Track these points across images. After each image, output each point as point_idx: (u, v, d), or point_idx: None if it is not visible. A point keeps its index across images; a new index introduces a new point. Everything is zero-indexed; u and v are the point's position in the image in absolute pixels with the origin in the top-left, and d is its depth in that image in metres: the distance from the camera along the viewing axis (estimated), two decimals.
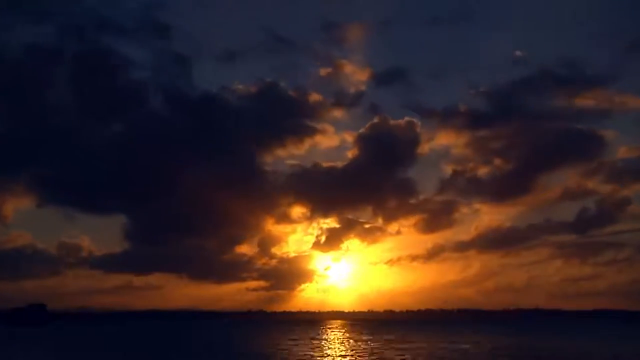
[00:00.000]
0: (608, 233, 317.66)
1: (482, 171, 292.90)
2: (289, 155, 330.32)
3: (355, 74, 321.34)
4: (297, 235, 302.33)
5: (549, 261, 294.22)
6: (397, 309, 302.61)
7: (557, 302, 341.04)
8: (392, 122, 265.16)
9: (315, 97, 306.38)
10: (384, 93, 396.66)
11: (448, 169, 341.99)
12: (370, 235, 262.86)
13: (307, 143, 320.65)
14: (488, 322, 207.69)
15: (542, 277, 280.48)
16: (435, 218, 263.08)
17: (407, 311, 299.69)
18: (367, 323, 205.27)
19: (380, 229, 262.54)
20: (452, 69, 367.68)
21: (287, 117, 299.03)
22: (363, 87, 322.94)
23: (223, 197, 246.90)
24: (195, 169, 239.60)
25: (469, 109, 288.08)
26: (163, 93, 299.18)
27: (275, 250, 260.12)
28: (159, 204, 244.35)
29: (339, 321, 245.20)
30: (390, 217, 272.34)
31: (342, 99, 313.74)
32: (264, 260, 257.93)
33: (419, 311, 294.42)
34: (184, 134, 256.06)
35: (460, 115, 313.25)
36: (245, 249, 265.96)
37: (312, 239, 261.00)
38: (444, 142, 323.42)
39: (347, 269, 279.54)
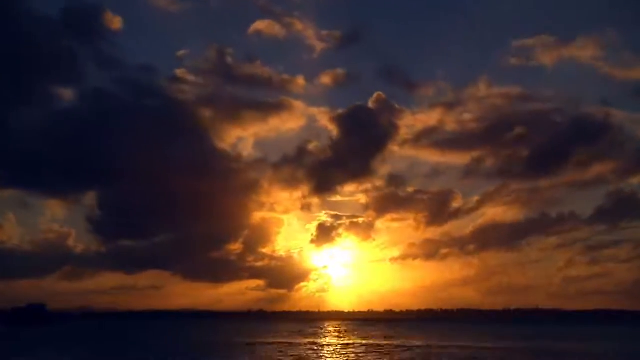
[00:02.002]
0: (612, 230, 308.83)
1: (476, 160, 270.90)
2: (263, 138, 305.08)
3: (313, 37, 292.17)
4: (293, 233, 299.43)
5: (550, 259, 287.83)
6: (397, 309, 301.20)
7: (557, 301, 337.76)
8: (371, 104, 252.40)
9: (271, 68, 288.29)
10: (350, 59, 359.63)
11: (439, 157, 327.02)
12: (365, 231, 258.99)
13: (274, 121, 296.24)
14: (490, 322, 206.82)
15: (543, 276, 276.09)
16: (432, 212, 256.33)
17: (407, 311, 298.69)
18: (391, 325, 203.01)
19: (374, 225, 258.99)
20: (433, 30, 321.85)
21: (249, 92, 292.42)
22: (325, 53, 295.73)
23: (189, 183, 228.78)
24: (151, 153, 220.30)
25: (457, 83, 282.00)
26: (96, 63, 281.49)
27: (271, 249, 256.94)
28: (120, 191, 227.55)
29: (339, 321, 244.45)
30: (383, 211, 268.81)
31: (302, 68, 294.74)
32: (259, 259, 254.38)
33: (419, 311, 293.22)
34: (131, 112, 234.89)
35: (449, 91, 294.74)
36: (238, 247, 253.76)
37: (309, 237, 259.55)
38: (430, 123, 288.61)
39: (345, 268, 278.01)
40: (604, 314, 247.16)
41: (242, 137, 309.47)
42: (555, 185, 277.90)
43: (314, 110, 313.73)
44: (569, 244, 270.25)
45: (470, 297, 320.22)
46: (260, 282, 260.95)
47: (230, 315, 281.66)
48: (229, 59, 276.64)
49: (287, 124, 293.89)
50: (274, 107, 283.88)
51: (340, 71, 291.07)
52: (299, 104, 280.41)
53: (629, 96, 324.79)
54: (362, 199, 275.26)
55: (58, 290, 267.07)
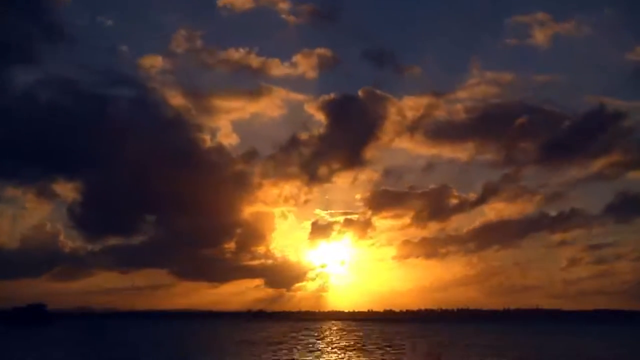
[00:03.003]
0: (615, 228, 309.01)
1: (473, 154, 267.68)
2: (245, 127, 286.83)
3: (287, 12, 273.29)
4: (288, 231, 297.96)
5: (552, 257, 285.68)
6: (396, 309, 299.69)
7: (557, 301, 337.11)
8: (360, 92, 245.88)
9: (244, 47, 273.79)
10: (330, 39, 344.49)
11: (434, 150, 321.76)
12: (362, 229, 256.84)
13: (255, 108, 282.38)
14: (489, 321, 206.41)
15: (545, 275, 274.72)
16: (430, 209, 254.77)
17: (407, 311, 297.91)
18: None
19: (371, 222, 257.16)
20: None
21: (224, 77, 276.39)
22: (301, 30, 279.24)
23: (165, 176, 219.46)
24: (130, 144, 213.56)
25: (449, 67, 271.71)
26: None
27: (266, 247, 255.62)
28: (102, 185, 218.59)
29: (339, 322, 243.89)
30: (379, 208, 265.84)
31: (277, 48, 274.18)
32: (256, 258, 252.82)
33: (419, 311, 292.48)
34: (100, 100, 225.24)
35: (440, 76, 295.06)
36: (232, 245, 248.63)
37: (304, 235, 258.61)
38: (422, 112, 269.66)
39: (343, 267, 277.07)
40: (607, 314, 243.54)
41: (220, 127, 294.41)
42: (557, 180, 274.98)
43: (296, 97, 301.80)
44: (571, 242, 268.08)
45: (471, 297, 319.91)
46: (258, 282, 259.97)
47: (231, 315, 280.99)
48: (199, 42, 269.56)
49: (268, 112, 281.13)
50: (253, 94, 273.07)
51: (320, 53, 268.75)
52: (279, 90, 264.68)
53: (628, 81, 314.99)
54: (357, 195, 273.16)
55: (53, 290, 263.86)
